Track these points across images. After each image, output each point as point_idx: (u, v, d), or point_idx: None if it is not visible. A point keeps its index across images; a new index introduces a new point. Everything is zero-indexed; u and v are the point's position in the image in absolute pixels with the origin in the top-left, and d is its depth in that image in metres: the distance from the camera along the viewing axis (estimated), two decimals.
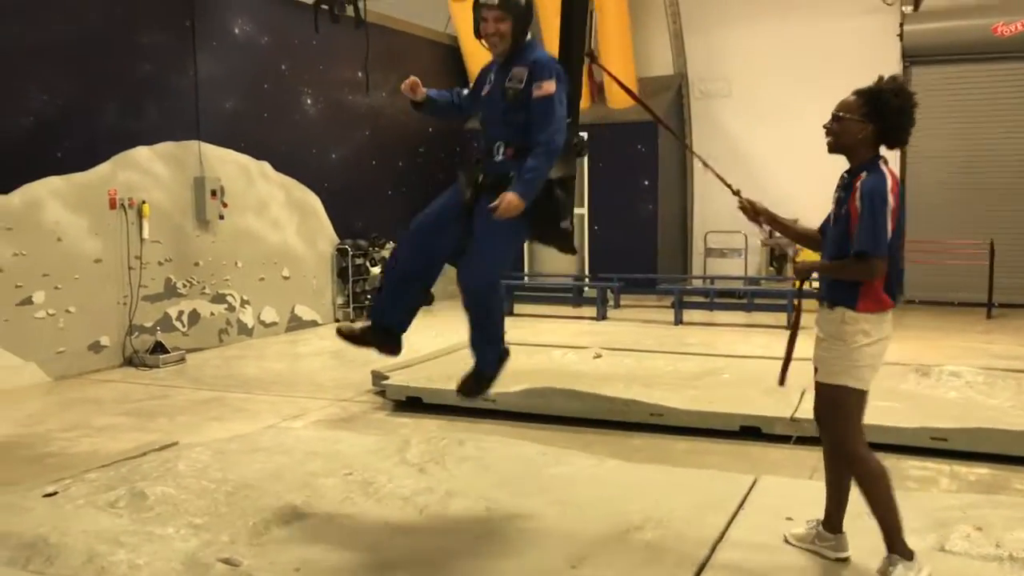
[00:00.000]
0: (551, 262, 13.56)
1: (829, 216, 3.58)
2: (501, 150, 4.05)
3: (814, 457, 5.38)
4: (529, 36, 4.10)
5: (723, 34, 13.75)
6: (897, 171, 11.55)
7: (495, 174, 4.04)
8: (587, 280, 13.14)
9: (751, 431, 5.83)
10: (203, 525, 4.10)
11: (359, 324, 4.47)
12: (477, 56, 13.66)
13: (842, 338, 3.42)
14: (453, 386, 6.68)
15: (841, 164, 3.54)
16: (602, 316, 11.66)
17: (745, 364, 7.67)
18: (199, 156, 9.53)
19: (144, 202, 8.88)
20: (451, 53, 14.03)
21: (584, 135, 4.89)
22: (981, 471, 5.12)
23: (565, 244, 4.27)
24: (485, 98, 4.20)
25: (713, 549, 3.74)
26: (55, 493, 4.38)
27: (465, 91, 4.48)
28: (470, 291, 4.11)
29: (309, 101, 11.18)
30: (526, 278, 13.43)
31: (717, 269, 13.82)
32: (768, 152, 13.35)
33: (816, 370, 3.59)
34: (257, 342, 10.14)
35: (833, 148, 3.49)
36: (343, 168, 11.77)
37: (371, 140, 12.31)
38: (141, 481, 4.58)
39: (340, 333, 4.47)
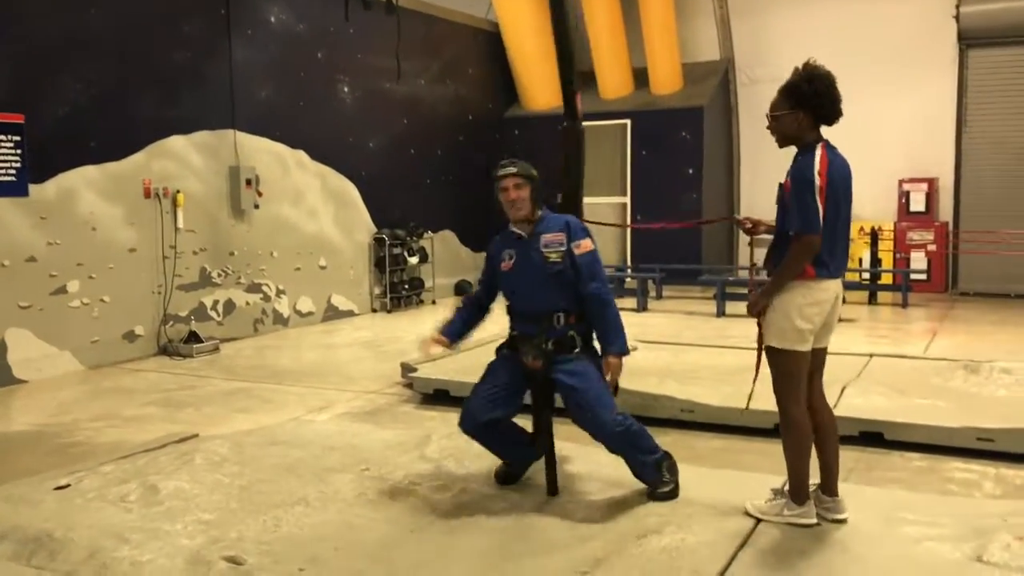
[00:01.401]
0: None
1: None
2: (562, 319, 4.22)
3: (850, 457, 5.17)
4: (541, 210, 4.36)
5: (771, 18, 13.38)
6: (952, 156, 11.20)
7: (559, 338, 4.22)
8: (628, 270, 12.92)
9: None
10: (212, 521, 4.02)
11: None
12: (519, 41, 13.51)
13: (773, 306, 3.76)
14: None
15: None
16: (643, 307, 11.45)
17: None
18: (234, 145, 9.52)
19: (179, 191, 8.90)
20: (491, 39, 13.89)
21: None
22: None
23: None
24: (512, 273, 4.34)
25: (733, 557, 3.55)
26: (67, 486, 4.34)
27: (479, 287, 4.64)
28: (610, 441, 4.21)
29: (346, 89, 11.12)
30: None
31: (763, 259, 13.44)
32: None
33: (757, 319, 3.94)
34: (293, 332, 10.12)
35: (780, 143, 3.82)
36: (380, 157, 11.70)
37: (409, 129, 12.22)
38: (155, 475, 4.53)
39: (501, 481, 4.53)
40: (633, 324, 10.24)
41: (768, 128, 3.81)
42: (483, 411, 4.30)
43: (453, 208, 12.90)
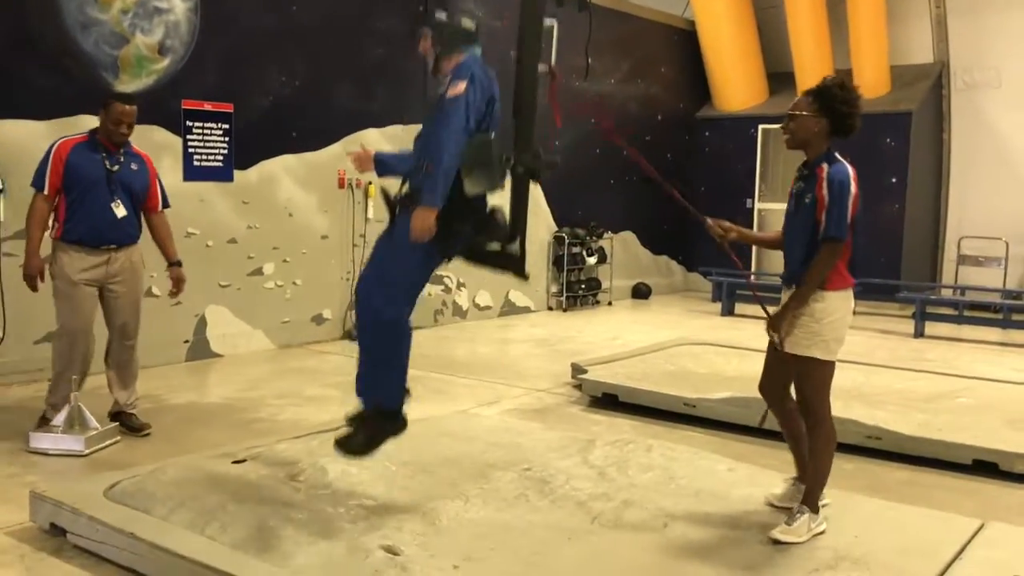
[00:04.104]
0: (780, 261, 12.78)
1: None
2: (425, 165, 3.73)
3: None
4: (470, 54, 3.96)
5: (994, 18, 12.32)
6: None
7: (413, 188, 3.84)
8: None
9: (986, 466, 5.10)
10: (375, 508, 4.07)
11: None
12: (716, 40, 13.14)
13: (812, 315, 3.82)
14: (652, 386, 6.44)
15: None
16: None
17: (990, 388, 6.80)
18: None
19: (371, 183, 9.18)
20: (686, 38, 13.58)
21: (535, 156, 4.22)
22: None
23: (512, 269, 4.00)
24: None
25: None
26: (244, 461, 4.53)
27: None
28: (358, 310, 3.88)
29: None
30: (752, 277, 12.76)
31: (971, 279, 12.47)
32: None
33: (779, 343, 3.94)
34: (470, 324, 10.25)
35: (792, 144, 3.95)
36: (565, 155, 11.54)
37: (596, 128, 12.11)
38: (325, 457, 4.62)
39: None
40: None
41: (783, 127, 3.94)
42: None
43: (636, 210, 12.70)
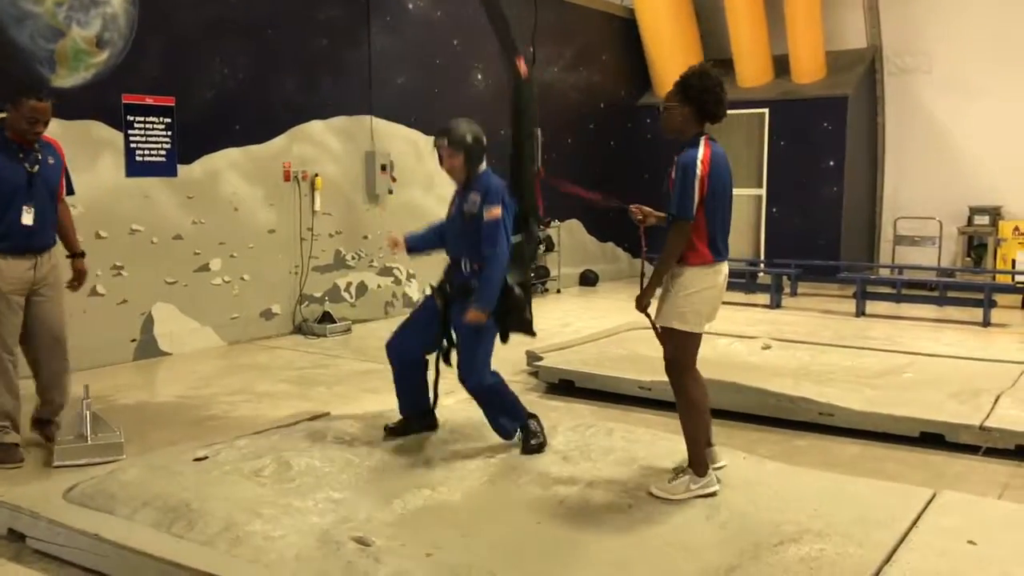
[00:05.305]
0: None
1: None
2: (467, 265, 4.72)
3: (1005, 471, 4.85)
4: (484, 166, 4.78)
5: (923, 4, 12.66)
6: None
7: (461, 283, 4.74)
8: (762, 265, 12.52)
9: (933, 438, 5.27)
10: (342, 500, 4.07)
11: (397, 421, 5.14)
12: (655, 27, 13.27)
13: (671, 288, 4.07)
14: (608, 371, 6.52)
15: None
16: (776, 304, 11.06)
17: (932, 363, 7.02)
18: (370, 131, 9.67)
19: (317, 175, 9.11)
20: (626, 26, 13.69)
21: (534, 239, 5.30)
22: None
23: (527, 330, 4.97)
24: (448, 219, 4.91)
25: (878, 572, 3.34)
26: (205, 458, 4.47)
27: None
28: (468, 389, 4.79)
29: (480, 77, 11.14)
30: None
31: (907, 258, 12.84)
32: (971, 134, 12.27)
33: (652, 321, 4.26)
34: None
35: (667, 133, 4.14)
36: (511, 145, 11.64)
37: (540, 117, 12.12)
38: (288, 451, 4.62)
39: (388, 433, 5.09)
40: (766, 322, 9.98)
41: (660, 118, 4.13)
42: (399, 337, 5.01)
43: (581, 198, 12.75)
